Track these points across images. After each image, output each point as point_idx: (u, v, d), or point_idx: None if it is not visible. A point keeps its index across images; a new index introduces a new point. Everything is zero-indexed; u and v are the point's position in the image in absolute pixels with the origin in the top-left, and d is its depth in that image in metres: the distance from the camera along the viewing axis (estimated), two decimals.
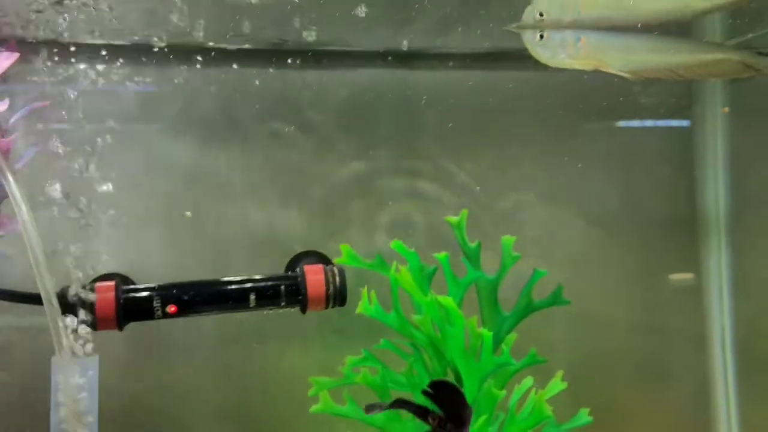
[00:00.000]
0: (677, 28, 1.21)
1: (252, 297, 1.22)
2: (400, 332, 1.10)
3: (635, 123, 1.56)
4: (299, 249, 1.33)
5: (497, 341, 1.09)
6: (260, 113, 1.42)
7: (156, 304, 1.18)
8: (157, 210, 1.40)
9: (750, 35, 1.30)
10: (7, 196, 1.05)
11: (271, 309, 1.24)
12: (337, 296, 1.24)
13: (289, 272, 1.27)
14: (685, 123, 1.58)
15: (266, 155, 1.44)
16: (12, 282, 1.16)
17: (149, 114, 1.40)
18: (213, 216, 1.41)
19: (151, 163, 1.40)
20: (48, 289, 1.03)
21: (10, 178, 1.03)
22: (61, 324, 1.02)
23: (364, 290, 1.06)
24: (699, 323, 1.55)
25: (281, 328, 1.43)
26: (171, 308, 1.19)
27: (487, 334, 1.02)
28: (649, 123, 1.57)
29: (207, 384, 1.41)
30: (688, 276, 1.55)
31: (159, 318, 1.19)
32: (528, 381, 1.18)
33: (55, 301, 1.03)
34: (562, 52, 1.16)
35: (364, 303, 1.06)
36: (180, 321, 1.18)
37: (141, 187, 1.38)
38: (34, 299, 1.11)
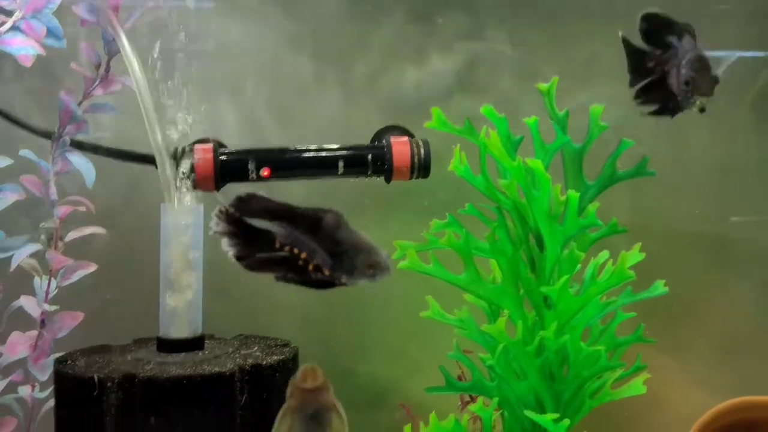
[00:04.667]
0: None
1: (340, 164, 1.27)
2: (486, 195, 1.14)
3: None
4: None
5: (581, 208, 1.12)
6: None
7: (251, 166, 1.23)
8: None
9: None
10: (118, 52, 1.10)
11: (357, 177, 1.28)
12: (422, 167, 1.28)
13: (376, 143, 1.31)
14: None
15: None
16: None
17: None
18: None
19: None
20: (158, 142, 1.09)
21: (122, 34, 1.08)
22: (169, 173, 1.08)
23: (456, 148, 1.10)
24: None
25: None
26: (265, 171, 1.24)
27: (573, 194, 1.06)
28: None
29: None
30: None
31: (253, 180, 1.24)
32: (604, 254, 1.22)
33: (165, 153, 1.09)
34: None
35: (456, 161, 1.10)
36: None
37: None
38: (145, 158, 1.19)
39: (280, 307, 1.45)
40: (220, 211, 0.95)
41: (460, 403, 1.25)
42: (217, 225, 0.95)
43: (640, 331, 1.19)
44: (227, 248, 0.95)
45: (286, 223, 0.95)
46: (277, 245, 0.97)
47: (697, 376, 1.47)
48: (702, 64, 1.10)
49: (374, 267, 0.94)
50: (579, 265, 1.14)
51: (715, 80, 1.10)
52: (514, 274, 1.17)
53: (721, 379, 1.35)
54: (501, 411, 1.20)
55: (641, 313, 1.23)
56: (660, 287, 1.21)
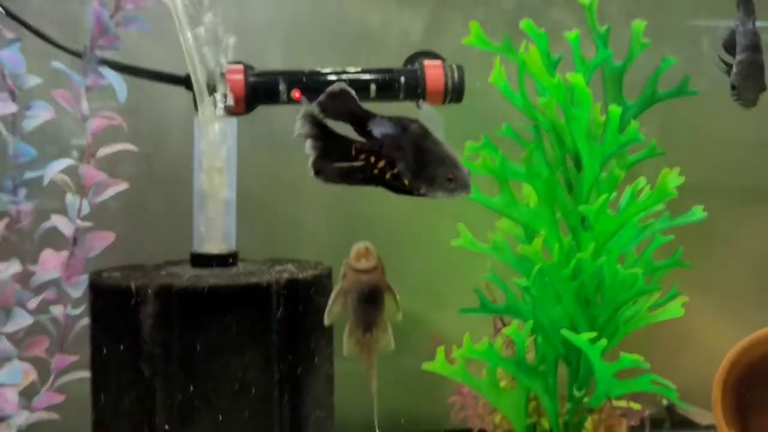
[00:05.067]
0: None
1: (372, 87, 1.25)
2: (524, 112, 1.12)
3: None
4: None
5: (621, 126, 1.10)
6: None
7: (281, 88, 1.22)
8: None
9: None
10: None
11: (389, 101, 1.27)
12: (455, 91, 1.26)
13: (409, 66, 1.29)
14: None
15: None
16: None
17: None
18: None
19: None
20: (194, 60, 1.08)
21: None
22: (203, 84, 1.06)
23: (496, 60, 1.08)
24: None
25: None
26: (295, 93, 1.22)
27: (614, 109, 1.04)
28: None
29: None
30: None
31: (283, 102, 1.23)
32: (641, 180, 1.20)
33: (198, 66, 1.07)
34: None
35: (495, 74, 1.08)
36: None
37: None
38: (175, 78, 1.17)
39: (307, 236, 1.44)
40: (306, 114, 0.92)
41: (493, 329, 1.23)
42: (301, 127, 0.93)
43: (678, 255, 1.17)
44: (309, 152, 0.93)
45: (368, 129, 0.93)
46: (353, 152, 0.95)
47: (730, 310, 1.45)
48: (751, 70, 1.04)
49: (454, 181, 0.92)
50: (615, 192, 1.13)
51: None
52: (550, 197, 1.15)
53: (755, 314, 1.34)
54: (534, 336, 1.19)
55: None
56: (698, 212, 1.19)
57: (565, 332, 1.10)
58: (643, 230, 1.16)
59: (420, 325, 1.44)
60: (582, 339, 1.08)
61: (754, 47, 1.06)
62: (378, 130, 0.92)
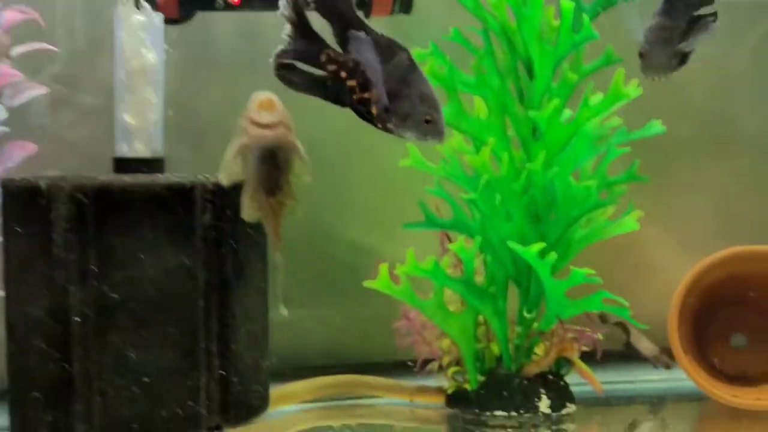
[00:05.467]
0: None
1: None
2: (473, 13, 1.05)
3: None
4: None
5: (575, 27, 1.04)
6: None
7: None
8: None
9: None
10: None
11: None
12: (403, 2, 1.19)
13: None
14: None
15: None
16: None
17: None
18: None
19: None
20: None
21: None
22: None
23: None
24: None
25: None
26: None
27: (567, 4, 0.98)
28: None
29: None
30: None
31: (220, 8, 1.15)
32: (591, 84, 1.12)
33: None
34: None
35: None
36: None
37: None
38: None
39: None
40: None
41: (440, 250, 1.17)
42: (284, 8, 0.84)
43: (634, 169, 1.11)
44: (284, 37, 0.85)
45: (349, 41, 0.84)
46: (323, 59, 0.85)
47: (688, 240, 1.40)
48: (660, 35, 0.98)
49: (432, 123, 0.85)
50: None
51: (678, 55, 0.98)
52: (501, 107, 1.09)
53: (714, 245, 1.29)
54: (483, 255, 1.14)
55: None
56: (657, 126, 1.14)
57: (512, 244, 1.04)
58: (597, 140, 1.10)
59: (369, 254, 1.37)
60: (530, 252, 1.03)
61: (667, 12, 0.99)
62: (360, 45, 0.84)
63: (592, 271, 1.03)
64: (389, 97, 0.84)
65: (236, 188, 0.91)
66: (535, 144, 1.07)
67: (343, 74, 0.85)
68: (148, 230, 0.90)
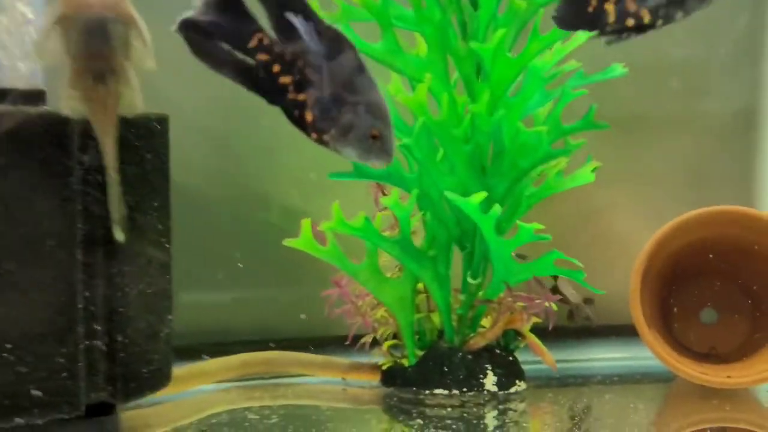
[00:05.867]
0: None
1: None
2: None
3: None
4: None
5: None
6: None
7: None
8: None
9: None
10: None
11: None
12: None
13: None
14: None
15: None
16: None
17: None
18: None
19: None
20: None
21: None
22: None
23: None
24: None
25: None
26: None
27: None
28: None
29: None
30: None
31: None
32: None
33: None
34: None
35: None
36: None
37: None
38: None
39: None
40: None
41: (375, 207, 1.04)
42: None
43: (591, 115, 0.99)
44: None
45: (288, 29, 0.69)
46: (254, 43, 0.70)
47: (654, 207, 1.28)
48: None
49: (379, 140, 0.71)
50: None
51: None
52: (442, 43, 0.96)
53: (681, 209, 1.17)
54: (423, 214, 1.01)
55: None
56: (618, 68, 1.01)
57: (450, 194, 0.91)
58: (552, 91, 0.97)
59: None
60: (471, 203, 0.90)
61: None
62: (300, 34, 0.69)
63: (541, 226, 0.90)
64: (330, 102, 0.71)
65: (130, 124, 0.77)
66: (480, 84, 0.94)
67: (276, 68, 0.70)
68: (15, 167, 0.76)
